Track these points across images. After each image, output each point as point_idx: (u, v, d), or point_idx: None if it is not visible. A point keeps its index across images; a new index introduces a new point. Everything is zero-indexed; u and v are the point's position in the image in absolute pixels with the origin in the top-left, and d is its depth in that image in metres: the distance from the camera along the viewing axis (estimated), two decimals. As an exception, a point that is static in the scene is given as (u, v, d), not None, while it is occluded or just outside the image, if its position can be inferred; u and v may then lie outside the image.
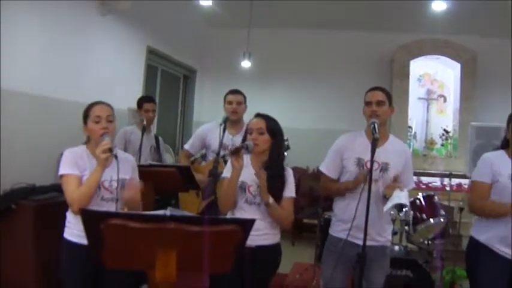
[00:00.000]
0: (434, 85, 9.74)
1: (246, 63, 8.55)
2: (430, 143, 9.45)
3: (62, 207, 3.60)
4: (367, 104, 3.40)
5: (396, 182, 3.28)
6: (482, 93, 8.91)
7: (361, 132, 3.52)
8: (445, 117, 9.61)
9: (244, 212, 3.14)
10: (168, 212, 1.92)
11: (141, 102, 5.38)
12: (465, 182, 7.82)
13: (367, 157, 3.25)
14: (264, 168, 3.12)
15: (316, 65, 9.59)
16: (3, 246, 4.12)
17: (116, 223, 1.85)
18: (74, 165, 2.91)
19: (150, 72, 7.62)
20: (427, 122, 9.62)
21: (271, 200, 3.07)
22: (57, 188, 4.40)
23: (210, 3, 6.98)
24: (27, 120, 4.86)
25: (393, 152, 3.40)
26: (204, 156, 4.88)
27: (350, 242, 3.24)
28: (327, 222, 5.07)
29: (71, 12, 5.47)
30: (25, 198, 4.18)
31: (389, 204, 3.11)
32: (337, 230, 3.44)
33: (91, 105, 3.05)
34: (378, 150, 3.18)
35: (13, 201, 4.10)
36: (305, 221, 8.08)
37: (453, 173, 8.03)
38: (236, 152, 2.97)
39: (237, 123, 4.54)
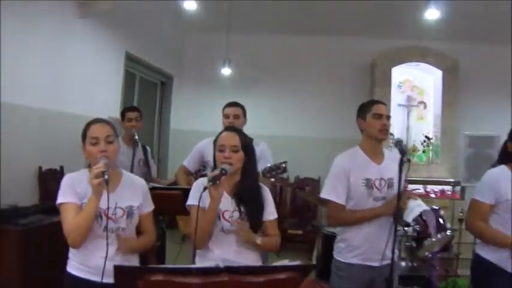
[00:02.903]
0: (415, 92, 9.66)
1: (226, 71, 8.30)
2: (412, 150, 9.33)
3: (49, 231, 3.26)
4: (378, 116, 3.21)
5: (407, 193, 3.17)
6: (464, 99, 8.86)
7: (356, 148, 3.33)
8: (425, 124, 9.54)
9: (221, 243, 2.75)
10: (221, 263, 1.63)
11: (123, 112, 5.04)
12: (448, 188, 7.74)
13: (373, 176, 3.19)
14: (237, 191, 2.80)
15: (297, 71, 9.33)
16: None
17: (158, 279, 1.55)
18: (72, 192, 2.57)
19: (128, 79, 7.26)
20: (408, 128, 9.52)
21: (259, 240, 2.75)
22: (42, 210, 4.08)
23: (194, 6, 6.63)
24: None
25: (395, 166, 3.14)
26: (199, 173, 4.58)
27: (364, 266, 3.12)
28: (327, 238, 4.93)
29: (48, 14, 5.15)
30: (7, 222, 3.76)
31: (412, 215, 3.12)
32: (348, 256, 3.22)
33: (88, 124, 2.67)
34: (380, 167, 3.21)
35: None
36: (289, 231, 7.81)
37: (437, 179, 8.05)
38: (215, 181, 2.56)
39: None
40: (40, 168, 5.15)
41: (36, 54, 5.03)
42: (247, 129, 3.61)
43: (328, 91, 9.20)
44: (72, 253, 2.65)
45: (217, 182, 2.56)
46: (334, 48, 9.24)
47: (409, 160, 2.92)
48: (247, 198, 2.79)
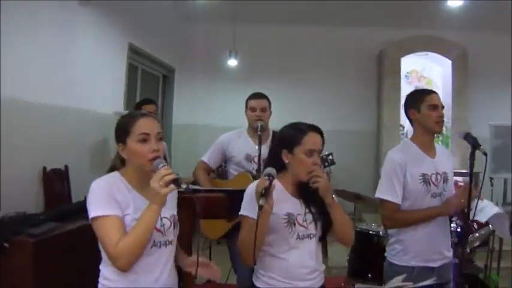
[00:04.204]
0: (422, 82, 9.55)
1: (232, 62, 8.12)
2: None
3: (65, 240, 3.17)
4: (433, 107, 2.99)
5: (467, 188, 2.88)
6: (473, 88, 8.75)
7: (408, 142, 3.14)
8: (434, 114, 9.34)
9: (297, 249, 2.42)
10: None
11: (140, 105, 4.66)
12: (459, 179, 7.51)
13: (429, 171, 2.99)
14: (303, 191, 2.47)
15: (304, 62, 9.05)
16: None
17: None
18: (113, 202, 2.07)
19: (130, 72, 6.88)
20: (416, 119, 9.31)
21: (336, 198, 2.44)
22: (54, 217, 3.68)
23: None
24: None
25: (446, 159, 3.14)
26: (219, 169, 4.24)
27: (423, 267, 2.96)
28: (361, 236, 4.62)
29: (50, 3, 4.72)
30: (19, 232, 3.30)
31: (483, 216, 3.04)
32: (406, 258, 3.01)
33: (133, 118, 2.20)
34: (434, 161, 3.04)
35: (5, 238, 3.24)
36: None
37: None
38: (267, 193, 2.17)
39: (263, 131, 3.92)
40: (45, 168, 4.71)
41: (35, 45, 4.57)
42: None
43: (334, 82, 9.02)
44: (109, 279, 2.14)
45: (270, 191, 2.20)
46: (340, 38, 9.02)
47: (485, 154, 2.78)
48: (316, 197, 2.43)
